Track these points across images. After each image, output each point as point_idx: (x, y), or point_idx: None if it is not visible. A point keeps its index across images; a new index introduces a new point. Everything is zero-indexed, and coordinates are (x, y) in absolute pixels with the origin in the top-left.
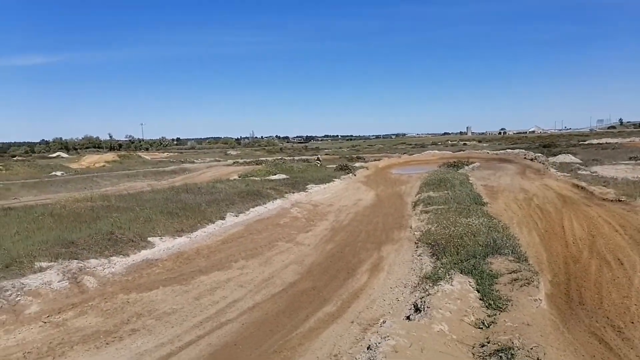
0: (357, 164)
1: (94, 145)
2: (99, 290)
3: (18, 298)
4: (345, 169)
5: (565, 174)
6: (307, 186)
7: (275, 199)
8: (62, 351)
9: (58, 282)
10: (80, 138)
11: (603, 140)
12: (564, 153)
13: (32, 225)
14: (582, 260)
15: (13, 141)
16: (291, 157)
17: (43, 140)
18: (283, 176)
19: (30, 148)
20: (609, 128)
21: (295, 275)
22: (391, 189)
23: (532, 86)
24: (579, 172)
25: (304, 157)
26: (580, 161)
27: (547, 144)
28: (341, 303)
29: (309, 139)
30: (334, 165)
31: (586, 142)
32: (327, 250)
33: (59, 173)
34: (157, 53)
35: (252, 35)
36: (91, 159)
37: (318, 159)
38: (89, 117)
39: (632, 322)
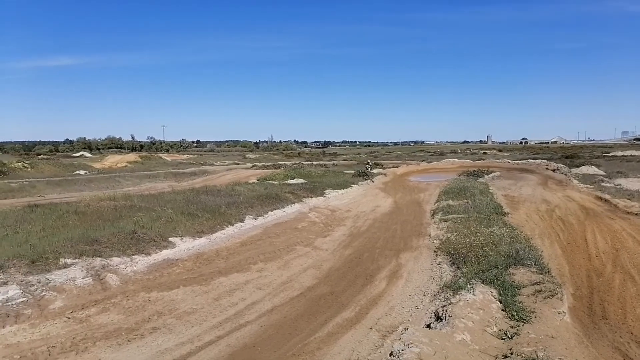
0: (375, 171)
1: (116, 145)
2: (121, 288)
3: (43, 293)
4: (363, 175)
5: (588, 185)
6: (325, 191)
7: (294, 203)
8: (85, 347)
9: (82, 278)
10: (103, 138)
11: (628, 153)
12: (587, 164)
13: (57, 223)
14: (605, 274)
15: (38, 140)
16: (309, 162)
17: (67, 139)
18: (301, 181)
19: (54, 147)
20: (634, 140)
21: (313, 279)
22: (410, 197)
23: (555, 96)
24: (603, 184)
25: (322, 162)
26: (604, 173)
27: (570, 155)
28: (359, 309)
29: (327, 144)
30: (352, 171)
31: (610, 154)
32: (345, 255)
33: (82, 172)
34: (179, 57)
35: (273, 41)
36: (113, 159)
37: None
38: (112, 118)
39: None
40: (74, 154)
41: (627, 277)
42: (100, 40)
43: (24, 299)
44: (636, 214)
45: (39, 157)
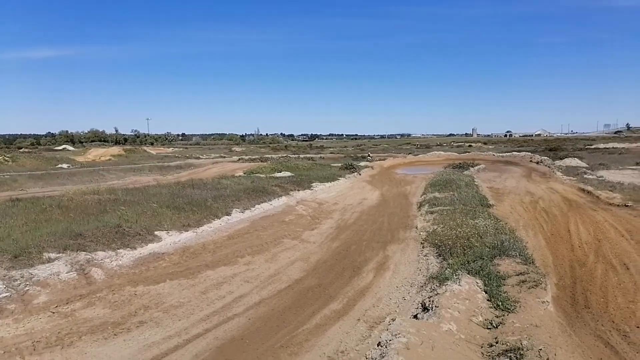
0: (362, 163)
1: (99, 138)
2: (107, 282)
3: (27, 288)
4: (350, 168)
5: (572, 177)
6: (312, 184)
7: (281, 196)
8: (70, 341)
9: (66, 273)
10: (86, 131)
11: (610, 145)
12: (570, 157)
13: (40, 217)
14: (588, 264)
15: (19, 133)
16: (296, 155)
17: (49, 132)
18: (288, 174)
19: (36, 140)
20: (615, 133)
21: (301, 272)
22: (396, 189)
23: (539, 89)
24: (585, 176)
25: (308, 155)
26: (587, 165)
27: (553, 148)
28: (347, 301)
29: (313, 137)
30: (339, 164)
31: (593, 147)
32: (332, 248)
33: (65, 165)
34: (164, 49)
35: (259, 33)
36: (97, 153)
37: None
38: (96, 111)
39: (638, 327)
40: (56, 148)
41: (608, 267)
42: (83, 32)
43: (7, 294)
44: (617, 206)
45: (21, 150)
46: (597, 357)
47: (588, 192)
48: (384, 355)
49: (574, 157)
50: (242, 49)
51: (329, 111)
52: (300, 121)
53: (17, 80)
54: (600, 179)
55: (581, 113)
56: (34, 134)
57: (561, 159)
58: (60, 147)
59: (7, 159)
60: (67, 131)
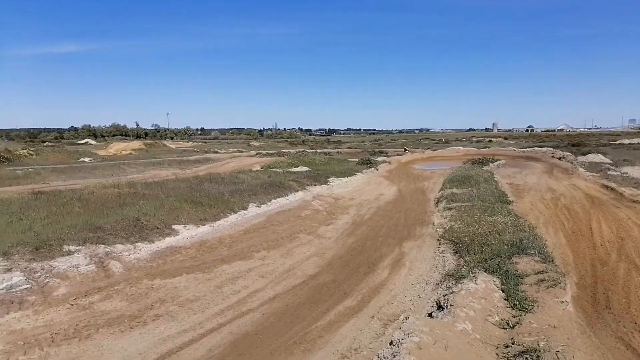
0: (379, 159)
1: (121, 133)
2: (125, 275)
3: (47, 280)
4: (367, 163)
5: (595, 174)
6: (329, 179)
7: (297, 191)
8: (88, 333)
9: (85, 265)
10: (108, 125)
11: (635, 141)
12: (594, 152)
13: (61, 210)
14: (610, 263)
15: (43, 127)
16: (313, 150)
17: (72, 126)
18: (305, 168)
19: (59, 134)
20: None
21: (315, 267)
22: (414, 185)
23: (562, 83)
24: (609, 172)
25: (326, 150)
26: (610, 161)
27: (576, 143)
28: (361, 297)
29: (331, 132)
30: (356, 159)
31: (617, 142)
32: (348, 243)
33: (87, 159)
34: (184, 44)
35: (278, 27)
36: (118, 147)
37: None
38: (117, 105)
39: None
40: (79, 142)
41: (631, 266)
42: (105, 27)
43: (28, 285)
44: None
45: (44, 144)
46: (617, 359)
47: (611, 189)
48: (395, 354)
49: (598, 152)
50: (261, 44)
51: (346, 106)
52: (318, 116)
53: (41, 76)
54: (624, 175)
55: (605, 108)
56: (58, 128)
57: (584, 154)
58: (82, 141)
59: (31, 152)
60: (89, 125)
